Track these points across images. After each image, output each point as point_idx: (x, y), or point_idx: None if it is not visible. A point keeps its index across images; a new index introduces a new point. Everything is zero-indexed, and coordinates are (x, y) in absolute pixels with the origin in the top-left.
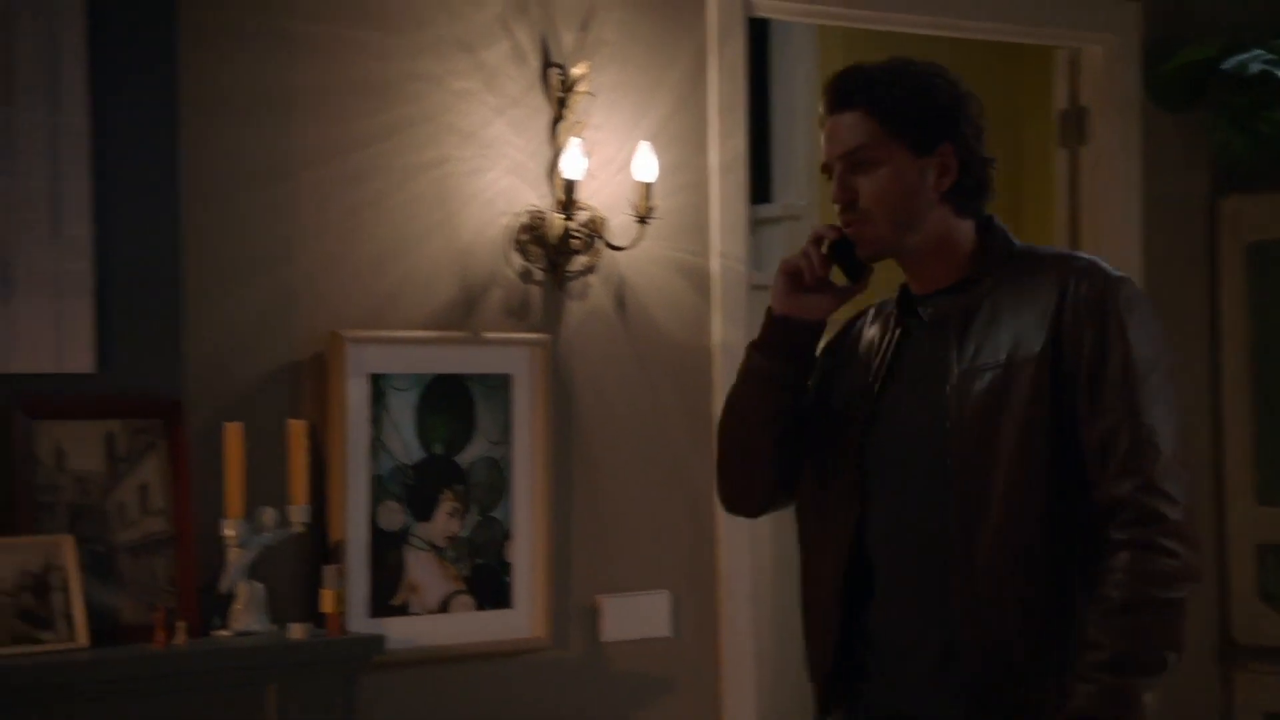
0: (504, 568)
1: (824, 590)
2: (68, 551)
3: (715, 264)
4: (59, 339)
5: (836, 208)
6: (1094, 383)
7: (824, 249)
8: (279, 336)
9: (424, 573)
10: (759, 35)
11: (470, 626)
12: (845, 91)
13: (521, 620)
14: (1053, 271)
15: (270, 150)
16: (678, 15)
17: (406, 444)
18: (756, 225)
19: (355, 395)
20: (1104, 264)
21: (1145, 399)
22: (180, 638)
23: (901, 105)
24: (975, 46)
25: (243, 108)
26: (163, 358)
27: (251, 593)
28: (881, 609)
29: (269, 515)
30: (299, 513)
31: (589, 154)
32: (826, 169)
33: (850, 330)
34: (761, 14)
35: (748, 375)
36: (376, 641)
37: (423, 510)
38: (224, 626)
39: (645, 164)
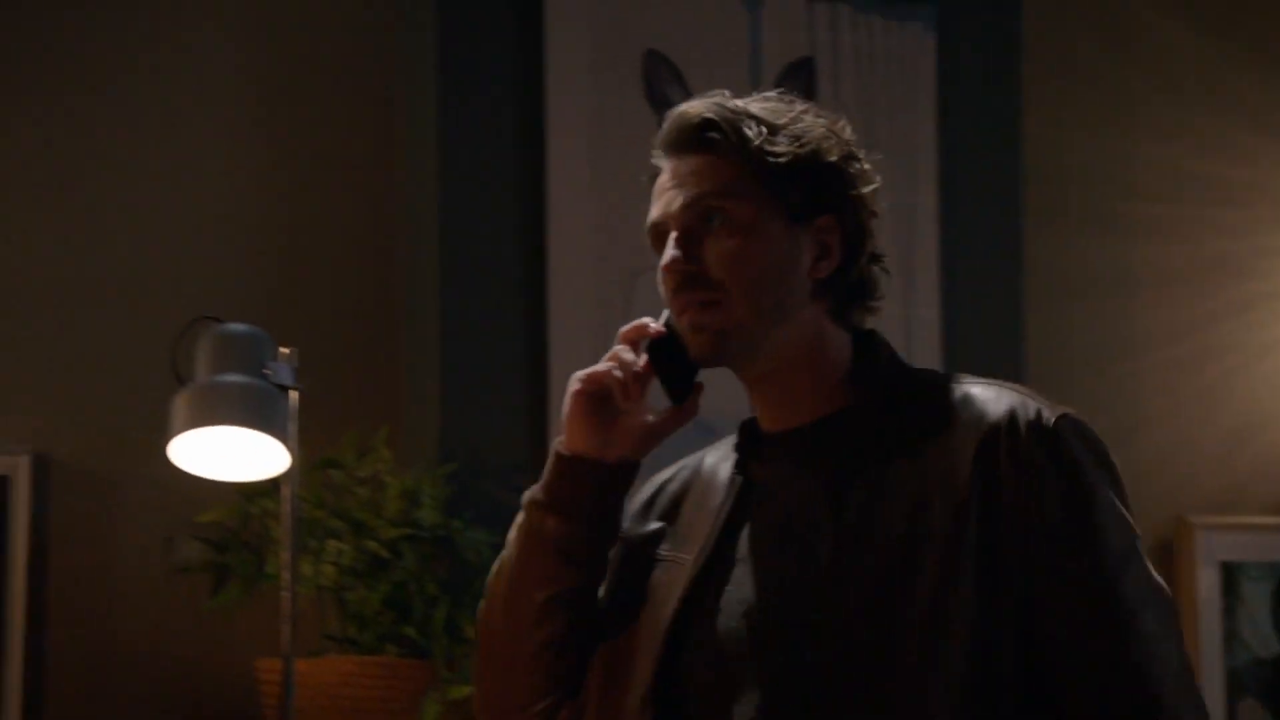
0: None
1: None
2: None
3: None
4: None
5: (664, 286)
6: (1057, 586)
7: (642, 355)
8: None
9: None
10: None
11: None
12: (699, 125)
13: None
14: (969, 409)
15: (1113, 331)
16: None
17: (1263, 637)
18: None
19: (1206, 584)
20: (1036, 397)
21: (1133, 603)
22: None
23: (779, 150)
24: None
25: (1084, 289)
26: None
27: None
28: None
29: None
30: None
31: None
32: (657, 234)
33: (667, 483)
34: None
35: (525, 541)
36: None
37: None
38: None
39: None
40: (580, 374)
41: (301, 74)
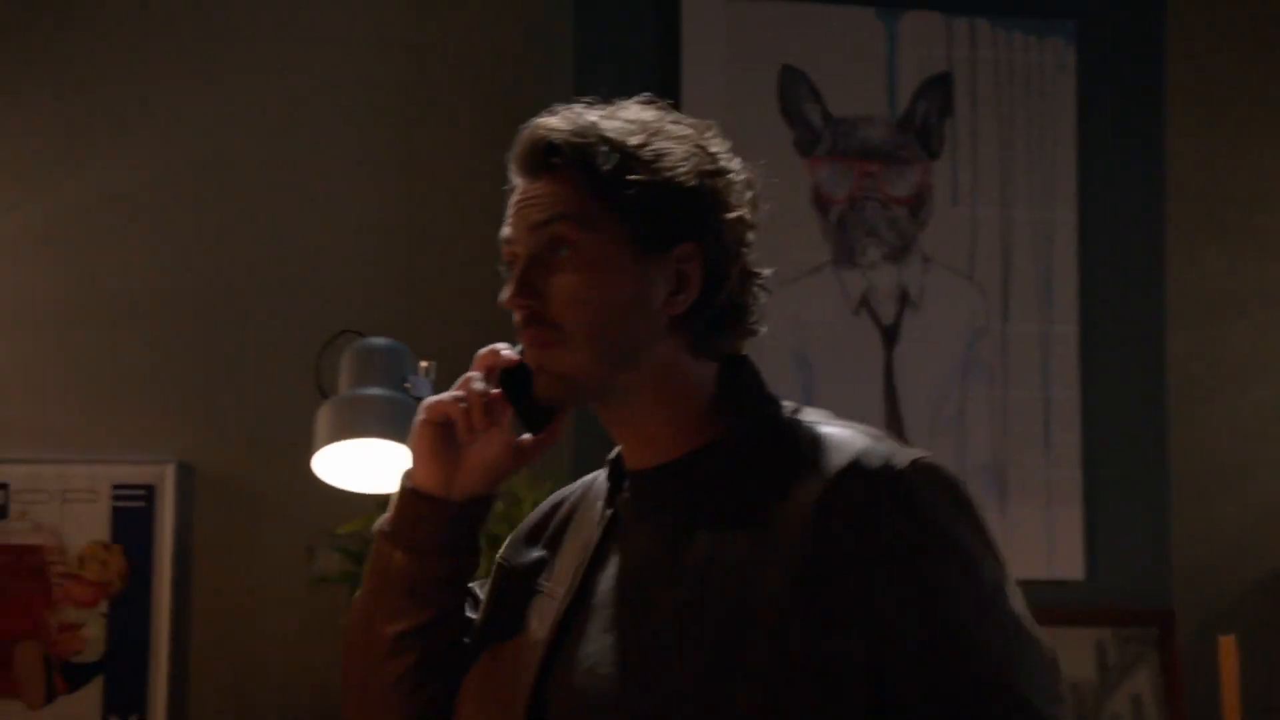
0: None
1: None
2: None
3: None
4: (1049, 545)
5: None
6: (908, 641)
7: (492, 384)
8: (1271, 544)
9: None
10: None
11: None
12: (544, 148)
13: None
14: (817, 453)
15: (1255, 349)
16: None
17: None
18: None
19: None
20: (887, 440)
21: (994, 654)
22: None
23: (630, 174)
24: None
25: (1225, 305)
26: (1152, 566)
27: None
28: None
29: None
30: None
31: None
32: (508, 254)
33: (560, 505)
34: None
35: (373, 574)
36: None
37: None
38: None
39: None
40: (426, 402)
41: (439, 90)
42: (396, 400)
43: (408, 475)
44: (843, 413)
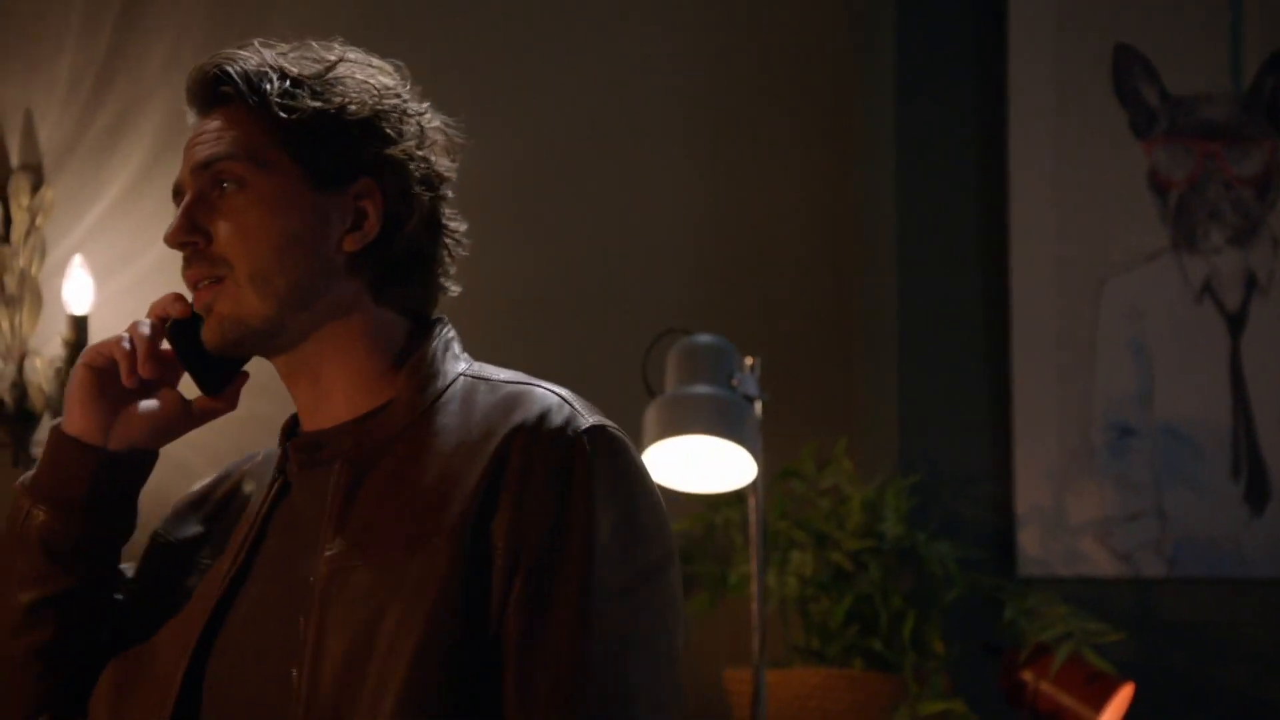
0: None
1: None
2: None
3: None
4: None
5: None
6: (533, 609)
7: (162, 332)
8: None
9: None
10: None
11: None
12: (213, 78)
13: None
14: (504, 408)
15: None
16: None
17: None
18: None
19: None
20: (577, 403)
21: (612, 643)
22: None
23: (300, 103)
24: None
25: None
26: None
27: None
28: None
29: None
30: None
31: None
32: (178, 198)
33: (225, 478)
34: None
35: (9, 531)
36: None
37: None
38: None
39: None
40: (90, 346)
41: (757, 84)
42: (724, 398)
43: (57, 426)
44: (1186, 404)
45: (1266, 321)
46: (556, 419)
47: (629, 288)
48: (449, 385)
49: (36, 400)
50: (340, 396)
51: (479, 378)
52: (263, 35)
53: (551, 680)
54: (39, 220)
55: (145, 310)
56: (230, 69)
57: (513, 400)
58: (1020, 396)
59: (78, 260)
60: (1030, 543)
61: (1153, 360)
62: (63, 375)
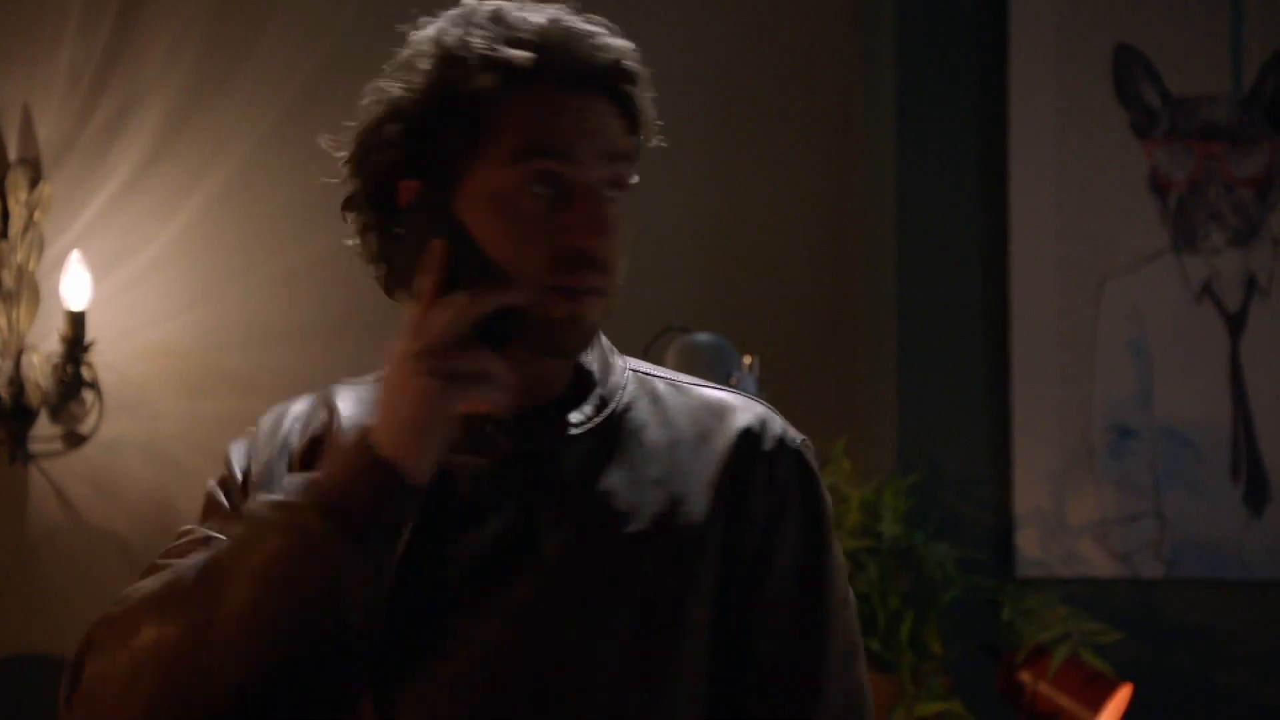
0: None
1: None
2: None
3: None
4: None
5: (537, 249)
6: (781, 611)
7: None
8: None
9: None
10: None
11: None
12: (616, 73)
13: None
14: (707, 416)
15: None
16: None
17: None
18: None
19: None
20: (775, 412)
21: (841, 653)
22: None
23: (648, 119)
24: None
25: None
26: None
27: None
28: None
29: None
30: None
31: None
32: (541, 173)
33: (305, 423)
34: None
35: (314, 572)
36: None
37: None
38: None
39: None
40: (441, 344)
41: (757, 84)
42: None
43: (377, 443)
44: (1186, 406)
45: (1266, 323)
46: (776, 428)
47: (629, 286)
48: (618, 381)
49: (33, 396)
50: (544, 380)
51: (646, 373)
52: (262, 34)
53: (797, 677)
54: (37, 215)
55: (143, 308)
56: (633, 69)
57: (718, 404)
58: (1020, 397)
59: (75, 256)
60: (1029, 543)
61: (1152, 361)
62: (59, 371)
